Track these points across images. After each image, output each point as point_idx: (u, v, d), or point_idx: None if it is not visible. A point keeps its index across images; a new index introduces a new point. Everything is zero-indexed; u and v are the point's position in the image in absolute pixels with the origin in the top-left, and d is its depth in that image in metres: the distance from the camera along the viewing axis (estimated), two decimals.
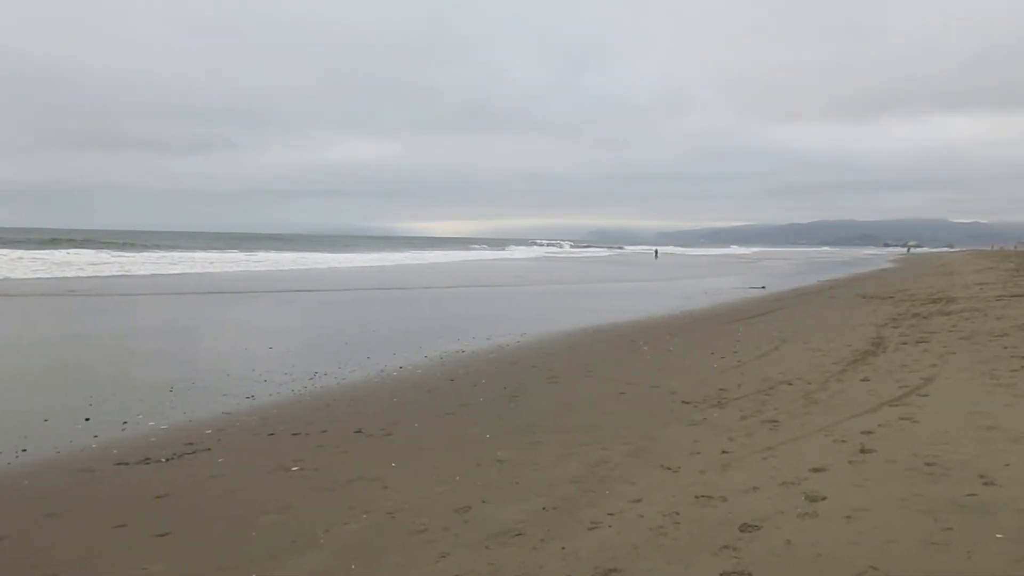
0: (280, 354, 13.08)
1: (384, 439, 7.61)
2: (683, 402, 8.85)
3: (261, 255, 60.53)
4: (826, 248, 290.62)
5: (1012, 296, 20.14)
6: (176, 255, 54.32)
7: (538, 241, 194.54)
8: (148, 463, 6.90)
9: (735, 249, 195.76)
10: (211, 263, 47.27)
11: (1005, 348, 11.09)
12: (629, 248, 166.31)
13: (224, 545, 5.05)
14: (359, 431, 7.88)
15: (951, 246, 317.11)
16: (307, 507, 5.70)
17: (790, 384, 9.55)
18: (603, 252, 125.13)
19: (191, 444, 7.47)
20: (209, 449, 7.31)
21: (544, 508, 5.42)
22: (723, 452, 6.55)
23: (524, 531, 5.00)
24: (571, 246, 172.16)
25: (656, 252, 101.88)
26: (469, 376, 10.97)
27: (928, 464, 5.69)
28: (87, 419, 8.47)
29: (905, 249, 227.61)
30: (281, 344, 14.33)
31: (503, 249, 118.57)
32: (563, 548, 4.66)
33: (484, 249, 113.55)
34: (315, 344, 14.63)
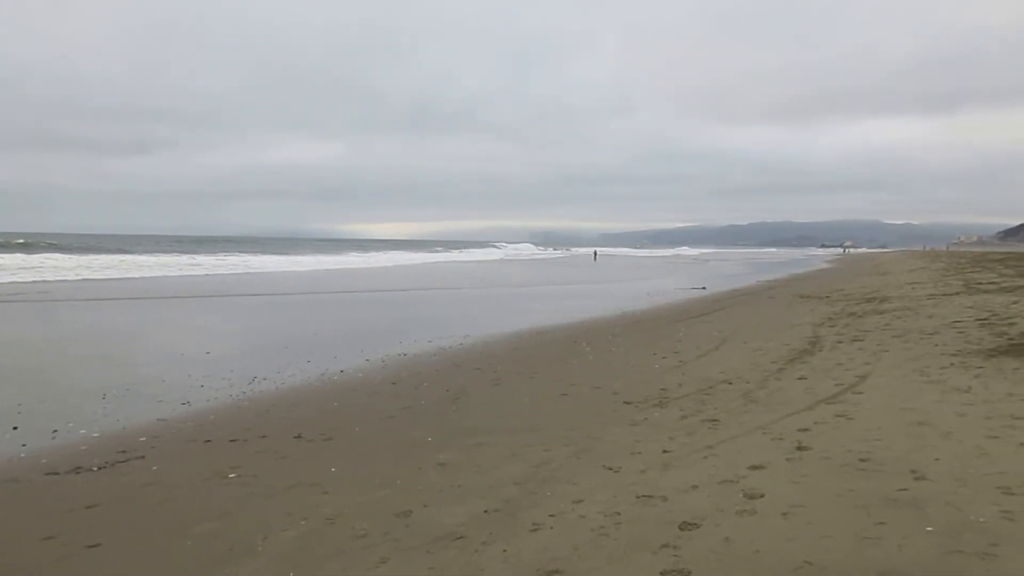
0: (218, 359, 12.82)
1: (324, 444, 7.49)
2: (625, 402, 8.90)
3: (200, 258, 59.14)
4: (769, 249, 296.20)
5: (942, 295, 20.77)
6: (112, 259, 52.82)
7: (496, 243, 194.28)
8: (79, 472, 6.68)
9: (678, 250, 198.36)
10: (148, 266, 46.11)
11: (935, 346, 11.41)
12: (574, 250, 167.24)
13: (158, 555, 4.92)
14: (298, 436, 7.74)
15: (885, 247, 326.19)
16: (244, 514, 5.58)
17: (730, 383, 9.69)
18: (558, 254, 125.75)
19: (124, 452, 7.25)
20: (143, 457, 7.11)
21: (486, 511, 5.39)
22: (664, 451, 6.60)
23: (465, 534, 4.96)
24: (537, 247, 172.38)
25: (595, 254, 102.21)
26: (411, 379, 10.88)
27: (862, 460, 5.81)
28: (15, 428, 8.18)
29: (842, 250, 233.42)
30: (219, 349, 14.05)
31: (461, 251, 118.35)
32: (505, 550, 4.64)
33: (440, 251, 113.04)
34: (254, 348, 14.39)
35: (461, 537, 4.92)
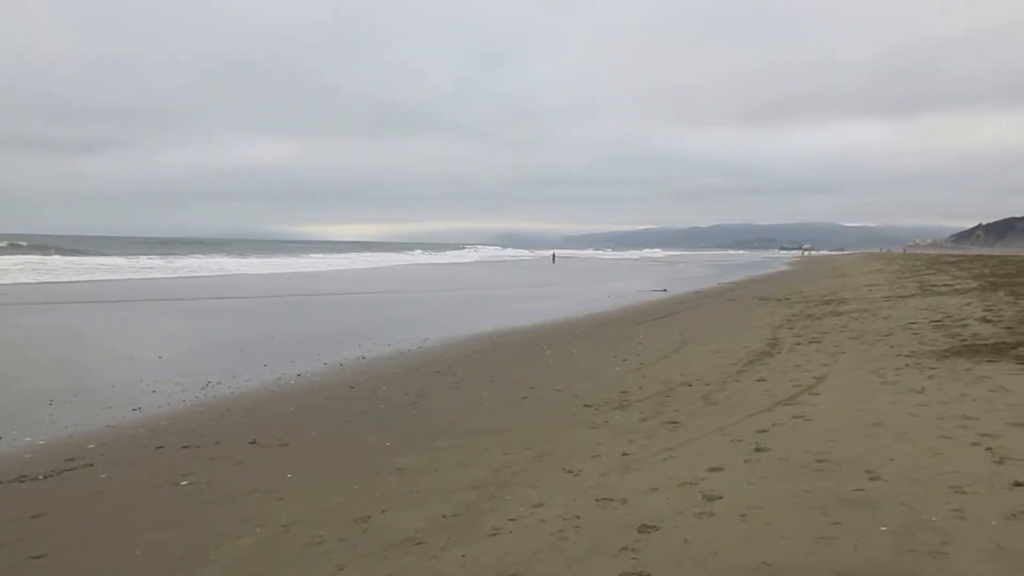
0: (171, 363, 12.57)
1: (280, 449, 7.37)
2: (585, 405, 8.90)
3: (156, 260, 57.93)
4: (729, 251, 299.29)
5: (898, 297, 21.14)
6: (63, 260, 51.55)
7: (471, 245, 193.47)
8: (23, 481, 6.49)
9: (644, 252, 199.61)
10: (102, 269, 44.97)
11: (891, 347, 11.58)
12: (537, 252, 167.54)
13: (106, 565, 4.79)
14: (254, 442, 7.62)
15: (843, 249, 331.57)
16: (197, 522, 5.47)
17: (690, 385, 9.73)
18: (529, 255, 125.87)
19: (72, 460, 7.06)
20: (91, 464, 6.93)
21: (445, 515, 5.34)
22: (624, 454, 6.60)
23: (424, 539, 4.91)
24: (514, 249, 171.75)
25: (553, 256, 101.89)
26: (370, 383, 10.77)
27: (819, 461, 5.85)
28: None
29: (801, 252, 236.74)
30: (172, 353, 13.78)
31: (436, 253, 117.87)
32: (463, 555, 4.59)
33: (418, 253, 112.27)
34: (209, 352, 14.15)
35: (420, 543, 4.87)
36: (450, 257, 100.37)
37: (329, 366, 12.25)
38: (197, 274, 44.21)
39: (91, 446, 7.56)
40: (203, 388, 10.40)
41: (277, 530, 5.25)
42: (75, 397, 9.81)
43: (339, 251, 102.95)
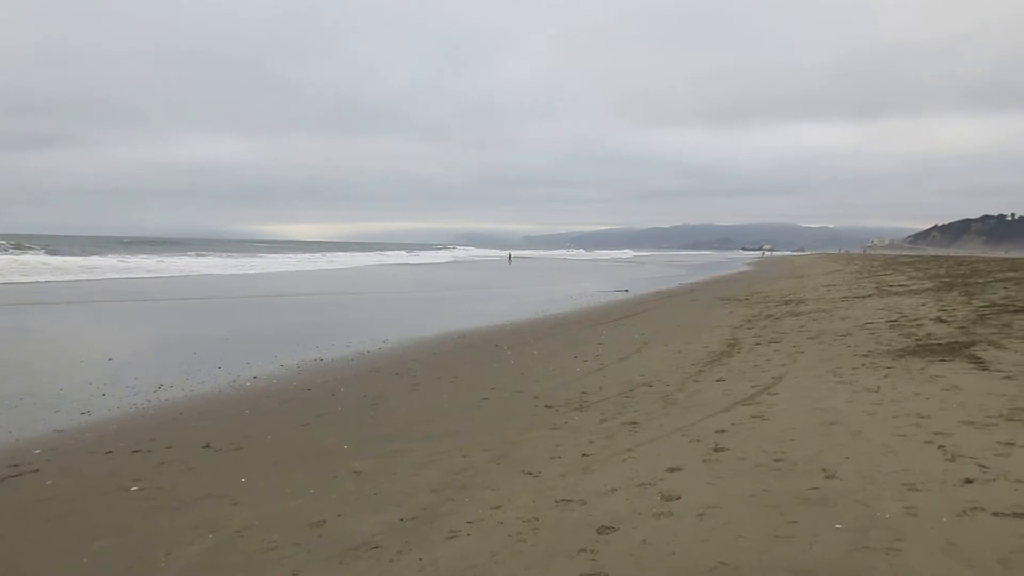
0: (122, 366, 12.29)
1: (234, 453, 7.24)
2: (545, 406, 8.87)
3: (109, 260, 56.35)
4: (691, 252, 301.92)
5: (855, 297, 21.45)
6: (8, 259, 49.80)
7: (448, 245, 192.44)
8: None
9: (613, 253, 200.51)
10: (44, 267, 43.38)
11: (848, 347, 11.72)
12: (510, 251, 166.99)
13: (53, 574, 4.66)
14: (207, 446, 7.47)
15: (803, 249, 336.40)
16: (147, 529, 5.35)
17: (650, 386, 9.75)
18: (501, 253, 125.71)
19: (16, 466, 6.86)
20: (37, 471, 6.74)
21: (402, 519, 5.27)
22: (583, 455, 6.58)
23: (381, 543, 4.85)
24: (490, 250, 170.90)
25: (510, 256, 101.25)
26: (327, 385, 10.64)
27: (776, 460, 5.88)
28: None
29: (761, 253, 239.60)
30: (123, 355, 13.49)
31: (414, 253, 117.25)
32: (421, 559, 4.54)
33: (392, 253, 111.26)
34: (162, 354, 13.86)
35: (376, 547, 4.80)
36: (424, 257, 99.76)
37: (286, 368, 12.07)
38: (152, 274, 43.19)
39: (37, 451, 7.35)
40: (155, 391, 10.18)
41: (230, 536, 5.14)
42: (21, 401, 9.55)
43: (300, 251, 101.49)
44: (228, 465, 6.86)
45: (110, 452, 7.34)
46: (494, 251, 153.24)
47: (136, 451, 7.33)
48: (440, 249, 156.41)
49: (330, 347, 14.22)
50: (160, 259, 61.08)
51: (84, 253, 64.76)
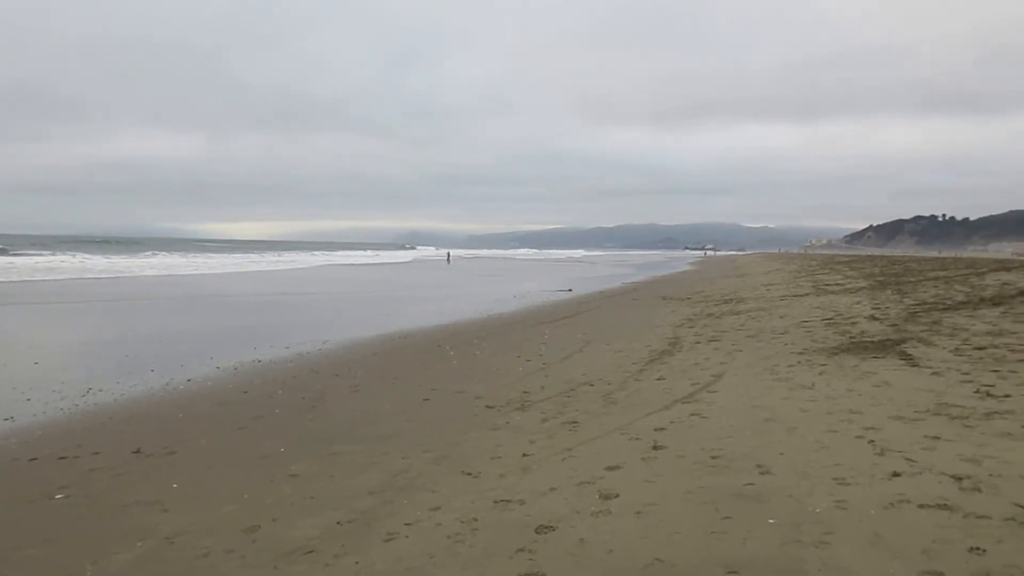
0: (48, 370, 11.90)
1: (166, 458, 7.06)
2: (487, 406, 8.85)
3: (39, 259, 54.51)
4: (635, 251, 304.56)
5: (793, 296, 21.90)
6: None
7: (412, 245, 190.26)
8: None
9: (562, 252, 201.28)
10: None
11: (785, 345, 11.95)
12: (469, 250, 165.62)
13: None
14: (138, 451, 7.27)
15: (743, 249, 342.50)
16: (73, 538, 5.19)
17: (591, 385, 9.80)
18: (463, 254, 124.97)
19: None
20: None
21: (339, 522, 5.21)
22: (524, 455, 6.58)
23: (317, 548, 4.78)
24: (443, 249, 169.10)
25: (448, 256, 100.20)
26: (265, 387, 10.46)
27: (713, 457, 5.95)
28: None
29: (704, 252, 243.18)
30: (50, 359, 13.09)
31: (376, 253, 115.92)
32: (357, 562, 4.50)
33: (362, 252, 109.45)
34: (91, 358, 13.47)
35: (312, 551, 4.73)
36: (385, 257, 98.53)
37: (222, 370, 11.83)
38: (84, 275, 41.59)
39: None
40: (83, 395, 9.87)
41: (160, 543, 5.02)
42: None
43: (240, 251, 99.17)
44: (159, 470, 6.68)
45: (35, 459, 7.10)
46: (460, 250, 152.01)
47: (62, 457, 7.11)
48: (398, 249, 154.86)
49: (269, 348, 13.98)
50: (93, 258, 59.27)
51: (11, 252, 62.58)
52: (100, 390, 10.22)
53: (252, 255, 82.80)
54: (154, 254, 72.94)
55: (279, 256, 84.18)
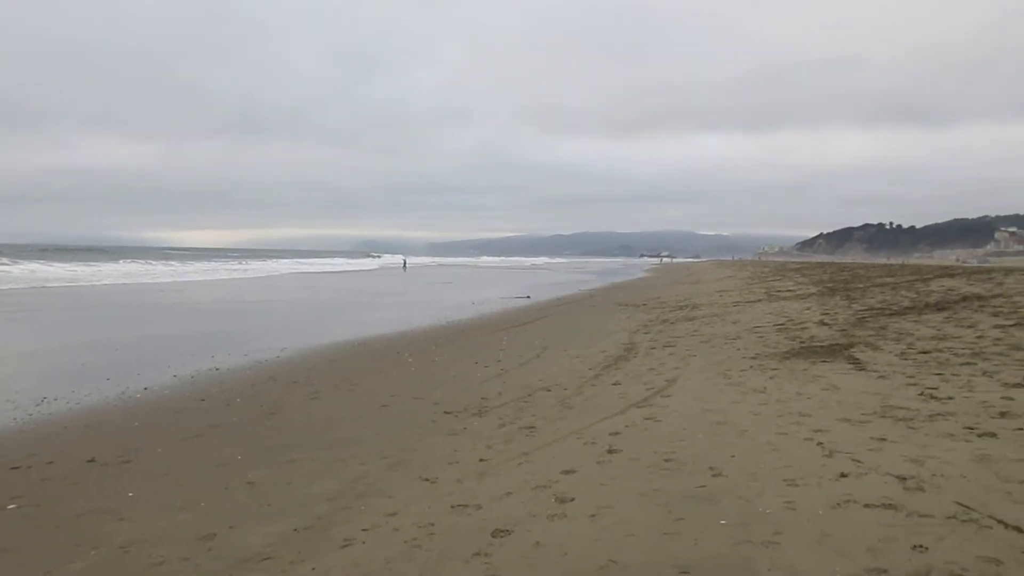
0: (1, 379, 11.64)
1: (122, 467, 6.99)
2: (445, 412, 8.89)
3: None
4: (593, 258, 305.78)
5: (746, 302, 22.27)
6: None
7: (375, 253, 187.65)
8: None
9: (528, 260, 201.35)
10: None
11: (737, 350, 12.18)
12: (436, 259, 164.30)
13: None
14: (92, 460, 7.18)
15: (698, 256, 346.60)
16: (25, 549, 5.13)
17: (548, 390, 9.89)
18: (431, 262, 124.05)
19: None
20: None
21: (296, 529, 5.21)
22: (481, 460, 6.63)
23: (273, 554, 4.78)
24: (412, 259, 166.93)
25: (404, 263, 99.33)
26: (222, 395, 10.37)
27: (667, 460, 6.06)
28: None
29: (660, 259, 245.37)
30: (3, 368, 12.86)
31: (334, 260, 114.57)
32: (314, 569, 4.51)
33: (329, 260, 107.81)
34: (45, 367, 13.18)
35: (268, 558, 4.74)
36: (353, 265, 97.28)
37: (179, 378, 11.69)
38: (38, 283, 40.40)
39: None
40: (37, 404, 9.68)
41: (114, 552, 4.98)
42: None
43: (201, 258, 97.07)
44: (114, 479, 6.61)
45: None
46: (426, 258, 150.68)
47: (15, 467, 6.98)
48: (363, 257, 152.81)
49: (227, 356, 13.83)
50: (40, 265, 57.60)
51: None
52: (55, 399, 10.03)
53: (214, 263, 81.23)
54: (117, 261, 71.14)
55: (241, 264, 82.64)
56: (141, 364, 12.95)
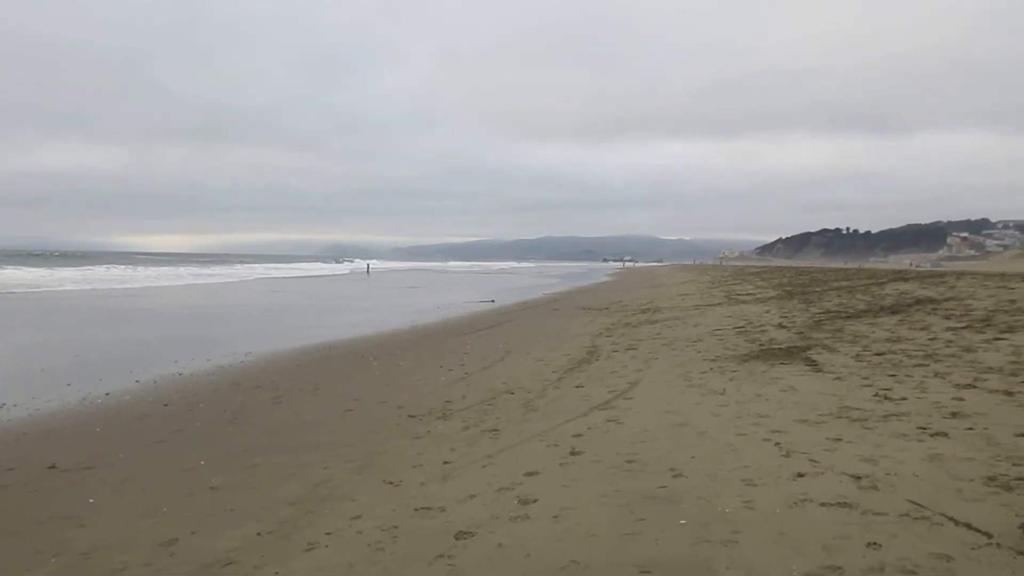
0: None
1: (83, 473, 6.92)
2: (409, 416, 8.92)
3: None
4: (557, 263, 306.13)
5: (707, 306, 22.54)
6: None
7: (348, 258, 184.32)
8: None
9: (501, 264, 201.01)
10: None
11: (698, 352, 12.35)
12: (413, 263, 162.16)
13: None
14: (53, 466, 7.09)
15: (660, 261, 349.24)
16: None
17: (512, 393, 9.95)
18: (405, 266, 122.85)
19: None
20: None
21: (259, 533, 5.21)
22: (445, 463, 6.67)
23: (236, 559, 4.78)
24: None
25: (368, 267, 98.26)
26: (185, 400, 10.27)
27: (628, 461, 6.15)
28: None
29: (623, 264, 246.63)
30: None
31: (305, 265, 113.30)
32: (277, 573, 4.52)
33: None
34: (4, 373, 12.95)
35: (231, 563, 4.73)
36: (325, 270, 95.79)
37: (142, 384, 11.54)
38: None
39: None
40: None
41: (75, 559, 4.94)
42: None
43: (166, 263, 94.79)
44: (75, 485, 6.55)
45: None
46: (401, 263, 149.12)
47: None
48: (333, 262, 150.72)
49: (191, 361, 13.68)
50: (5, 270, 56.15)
51: None
52: (14, 405, 9.86)
53: (181, 268, 79.46)
54: (83, 267, 69.39)
55: (208, 269, 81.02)
56: (103, 369, 12.77)
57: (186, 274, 66.09)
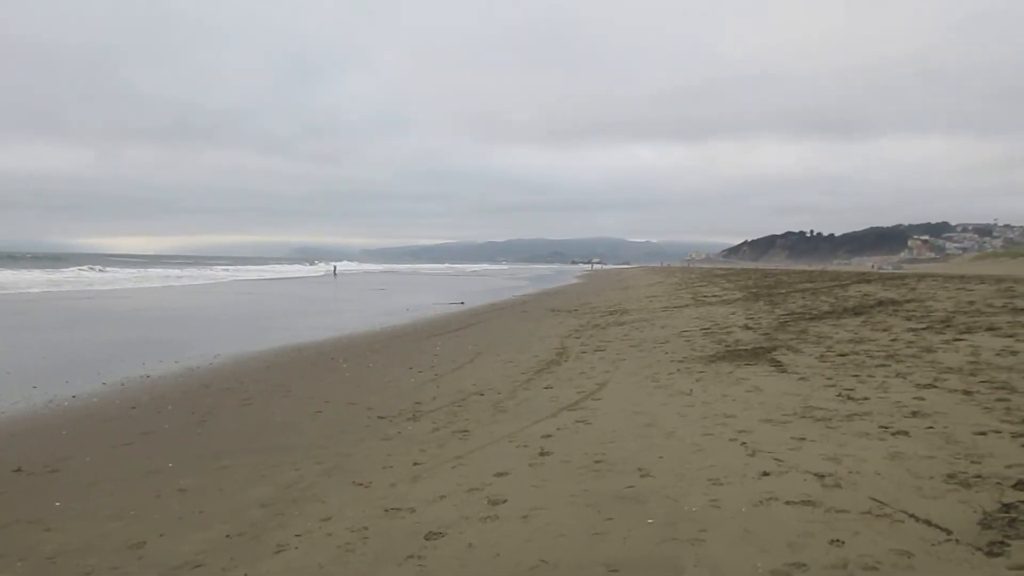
0: None
1: (48, 476, 6.84)
2: (379, 417, 8.92)
3: None
4: (526, 265, 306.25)
5: (674, 307, 22.73)
6: None
7: (321, 260, 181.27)
8: None
9: (474, 266, 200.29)
10: None
11: (666, 353, 12.47)
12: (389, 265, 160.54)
13: None
14: (18, 470, 7.01)
15: (628, 263, 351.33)
16: None
17: (482, 395, 9.99)
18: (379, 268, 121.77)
19: None
20: None
21: (228, 535, 5.20)
22: (415, 464, 6.69)
23: (204, 562, 4.77)
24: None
25: (335, 269, 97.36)
26: (153, 402, 10.19)
27: (597, 462, 6.22)
28: None
29: (591, 266, 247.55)
30: None
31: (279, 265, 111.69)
32: (246, 575, 4.51)
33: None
34: None
35: (200, 565, 4.72)
36: (302, 272, 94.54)
37: (109, 386, 11.41)
38: None
39: None
40: None
41: (41, 563, 4.90)
42: None
43: (135, 265, 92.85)
44: (41, 489, 6.48)
45: None
46: (375, 265, 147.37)
47: None
48: (303, 263, 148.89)
49: (158, 363, 13.54)
50: None
51: None
52: None
53: (151, 270, 77.91)
54: (50, 269, 67.84)
55: (178, 270, 79.63)
56: (70, 372, 12.61)
57: (156, 276, 65.00)
